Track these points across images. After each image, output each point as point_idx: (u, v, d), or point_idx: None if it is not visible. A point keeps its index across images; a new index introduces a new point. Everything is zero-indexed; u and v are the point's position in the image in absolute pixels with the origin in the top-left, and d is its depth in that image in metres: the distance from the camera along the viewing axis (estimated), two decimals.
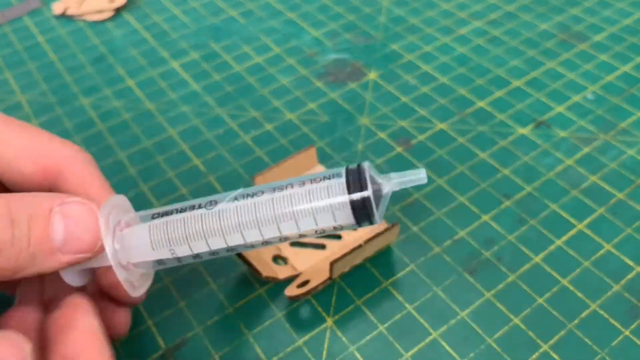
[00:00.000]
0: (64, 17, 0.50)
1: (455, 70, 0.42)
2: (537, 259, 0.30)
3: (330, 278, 0.29)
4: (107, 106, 0.41)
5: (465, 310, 0.28)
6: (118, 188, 0.35)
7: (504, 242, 0.31)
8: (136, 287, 0.22)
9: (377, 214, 0.20)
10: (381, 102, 0.40)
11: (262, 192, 0.20)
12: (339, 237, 0.31)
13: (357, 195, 0.20)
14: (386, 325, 0.28)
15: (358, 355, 0.27)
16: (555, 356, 0.26)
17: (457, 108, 0.39)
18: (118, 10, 0.50)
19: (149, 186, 0.35)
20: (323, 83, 0.42)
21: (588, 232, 0.31)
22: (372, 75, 0.42)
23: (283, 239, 0.21)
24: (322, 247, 0.30)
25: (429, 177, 0.35)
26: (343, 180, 0.20)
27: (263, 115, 0.39)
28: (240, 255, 0.27)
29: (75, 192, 0.22)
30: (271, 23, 0.48)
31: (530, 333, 0.27)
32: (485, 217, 0.32)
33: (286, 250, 0.30)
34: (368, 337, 0.28)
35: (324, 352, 0.27)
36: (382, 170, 0.35)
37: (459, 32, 0.46)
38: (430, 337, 0.27)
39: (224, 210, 0.20)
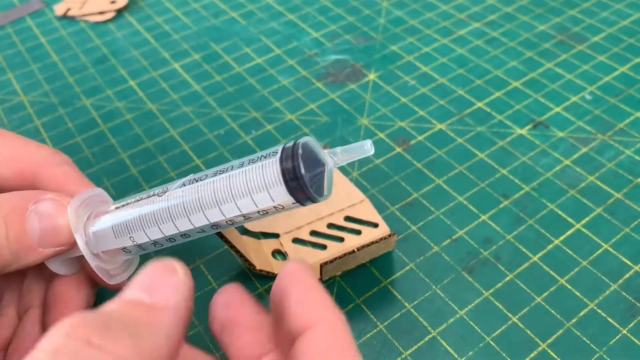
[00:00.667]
0: (65, 18, 0.50)
1: (454, 71, 0.42)
2: (536, 258, 0.30)
3: (320, 279, 0.29)
4: (108, 107, 0.41)
5: (464, 309, 0.28)
6: (120, 188, 0.35)
7: (502, 241, 0.31)
8: (112, 275, 0.23)
9: (319, 191, 0.19)
10: (381, 102, 0.40)
11: (206, 176, 0.20)
12: (341, 239, 0.31)
13: (290, 173, 0.19)
14: (385, 323, 0.28)
15: None
16: (553, 355, 0.27)
17: (456, 108, 0.39)
18: (120, 11, 0.51)
19: (151, 186, 0.35)
20: (323, 84, 0.42)
21: (586, 231, 0.32)
22: (372, 75, 0.42)
23: (229, 222, 0.21)
24: (324, 247, 0.31)
25: (428, 178, 0.35)
26: (277, 158, 0.19)
27: (263, 116, 0.40)
28: (234, 249, 0.27)
29: (52, 190, 0.23)
30: (271, 24, 0.48)
31: (529, 332, 0.28)
32: (483, 217, 0.32)
33: (287, 245, 0.31)
34: (367, 336, 0.28)
35: None
36: (381, 169, 0.35)
37: (458, 33, 0.46)
38: (430, 336, 0.28)
39: (172, 197, 0.21)
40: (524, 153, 0.36)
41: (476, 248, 0.31)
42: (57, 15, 0.50)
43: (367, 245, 0.28)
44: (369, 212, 0.32)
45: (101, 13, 0.50)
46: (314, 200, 0.19)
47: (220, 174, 0.20)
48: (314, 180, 0.19)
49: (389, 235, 0.29)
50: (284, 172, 0.19)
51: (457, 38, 0.45)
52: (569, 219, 0.32)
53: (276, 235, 0.31)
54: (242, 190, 0.19)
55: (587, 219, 0.32)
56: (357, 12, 0.49)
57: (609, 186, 0.34)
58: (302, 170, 0.19)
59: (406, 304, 0.29)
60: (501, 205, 0.33)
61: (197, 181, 0.20)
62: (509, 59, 0.43)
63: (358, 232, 0.31)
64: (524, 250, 0.31)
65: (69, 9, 0.51)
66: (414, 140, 0.37)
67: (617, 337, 0.27)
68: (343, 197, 0.32)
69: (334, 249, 0.30)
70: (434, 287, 0.29)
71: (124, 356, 0.15)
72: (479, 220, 0.32)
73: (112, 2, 0.51)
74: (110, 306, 0.16)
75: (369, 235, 0.31)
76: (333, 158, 0.20)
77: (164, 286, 0.17)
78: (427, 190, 0.34)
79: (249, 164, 0.20)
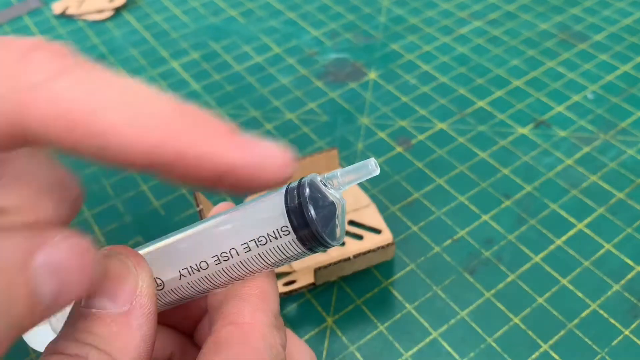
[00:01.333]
0: (64, 16, 0.50)
1: (455, 69, 0.42)
2: (537, 258, 0.30)
3: (314, 284, 0.29)
4: None
5: (465, 310, 0.28)
6: (118, 188, 0.35)
7: (504, 241, 0.31)
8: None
9: (335, 236, 0.17)
10: (381, 101, 0.40)
11: (207, 265, 0.17)
12: (342, 243, 0.31)
13: (310, 244, 0.17)
14: (386, 324, 0.28)
15: (358, 355, 0.27)
16: (555, 356, 0.26)
17: (457, 108, 0.39)
18: (118, 10, 0.50)
19: (149, 186, 0.35)
20: (323, 83, 0.42)
21: (588, 231, 0.31)
22: (372, 74, 0.42)
23: None
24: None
25: (429, 177, 0.35)
26: (293, 236, 0.17)
27: (263, 115, 0.39)
28: None
29: None
30: (271, 23, 0.48)
31: (530, 333, 0.27)
32: (485, 217, 0.32)
33: None
34: (368, 337, 0.28)
35: (324, 352, 0.27)
36: (382, 169, 0.35)
37: (459, 31, 0.46)
38: (430, 337, 0.27)
39: (178, 289, 0.18)
40: (525, 152, 0.36)
41: (477, 248, 0.31)
42: (55, 13, 0.50)
43: (364, 253, 0.28)
44: (373, 217, 0.31)
45: (99, 11, 0.50)
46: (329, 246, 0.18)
47: (224, 260, 0.17)
48: (331, 233, 0.17)
49: (387, 245, 0.29)
50: (304, 245, 0.17)
51: (458, 37, 0.45)
52: (571, 219, 0.32)
53: None
54: (261, 267, 0.18)
55: (589, 219, 0.32)
56: (357, 11, 0.48)
57: (611, 186, 0.33)
58: (327, 239, 0.17)
59: (407, 305, 0.29)
60: (502, 205, 0.33)
61: (197, 270, 0.18)
62: (510, 58, 0.43)
63: (360, 237, 0.31)
64: (525, 250, 0.31)
65: (67, 8, 0.50)
66: (414, 139, 0.37)
67: (619, 337, 0.27)
68: (349, 201, 0.32)
69: (332, 252, 0.30)
70: (434, 287, 0.29)
71: None
72: (480, 221, 0.32)
73: (111, 1, 0.51)
74: (78, 324, 0.15)
75: (370, 241, 0.30)
76: (337, 189, 0.17)
77: (122, 288, 0.16)
78: (428, 190, 0.34)
79: (257, 245, 0.17)
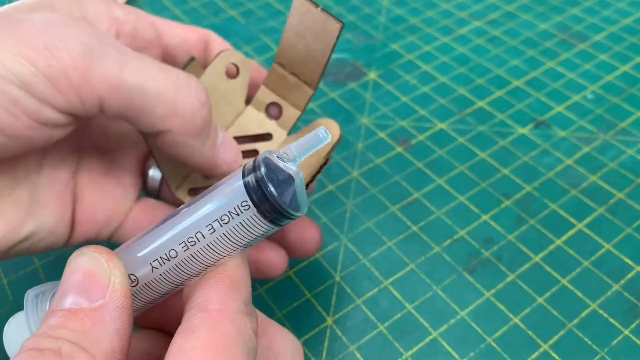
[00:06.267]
0: None
1: (455, 70, 0.42)
2: (537, 258, 0.30)
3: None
4: None
5: (465, 310, 0.28)
6: None
7: (503, 241, 0.31)
8: None
9: (299, 206, 0.18)
10: (381, 101, 0.40)
11: (176, 252, 0.18)
12: (269, 136, 0.29)
13: (271, 216, 0.17)
14: (386, 324, 0.28)
15: (358, 355, 0.27)
16: (555, 356, 0.26)
17: (457, 108, 0.39)
18: None
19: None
20: (323, 83, 0.42)
21: (588, 231, 0.31)
22: (372, 75, 0.42)
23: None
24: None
25: (428, 177, 0.35)
26: (253, 210, 0.17)
27: None
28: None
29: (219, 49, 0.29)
30: (271, 23, 0.48)
31: (530, 332, 0.27)
32: (485, 217, 0.32)
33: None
34: (368, 337, 0.28)
35: (324, 352, 0.27)
36: (382, 169, 0.35)
37: (459, 31, 0.46)
38: (430, 337, 0.27)
39: (153, 283, 0.19)
40: (525, 152, 0.36)
41: (477, 248, 0.31)
42: None
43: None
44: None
45: None
46: (296, 217, 0.18)
47: (192, 245, 0.18)
48: (291, 204, 0.18)
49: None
50: (266, 219, 0.17)
51: (458, 37, 0.45)
52: (571, 219, 0.32)
53: None
54: (231, 247, 0.18)
55: (588, 219, 0.32)
56: (357, 11, 0.48)
57: (611, 186, 0.33)
58: (286, 208, 0.17)
59: (407, 305, 0.29)
60: (502, 205, 0.33)
61: (167, 260, 0.18)
62: (510, 58, 0.43)
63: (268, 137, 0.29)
64: (525, 250, 0.31)
65: None
66: (414, 139, 0.37)
67: (619, 337, 0.27)
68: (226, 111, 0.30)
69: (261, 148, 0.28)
70: (434, 287, 0.29)
71: None
72: (480, 220, 0.32)
73: None
74: (53, 321, 0.16)
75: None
76: (293, 161, 0.18)
77: (95, 284, 0.17)
78: (427, 190, 0.34)
79: (220, 225, 0.17)
